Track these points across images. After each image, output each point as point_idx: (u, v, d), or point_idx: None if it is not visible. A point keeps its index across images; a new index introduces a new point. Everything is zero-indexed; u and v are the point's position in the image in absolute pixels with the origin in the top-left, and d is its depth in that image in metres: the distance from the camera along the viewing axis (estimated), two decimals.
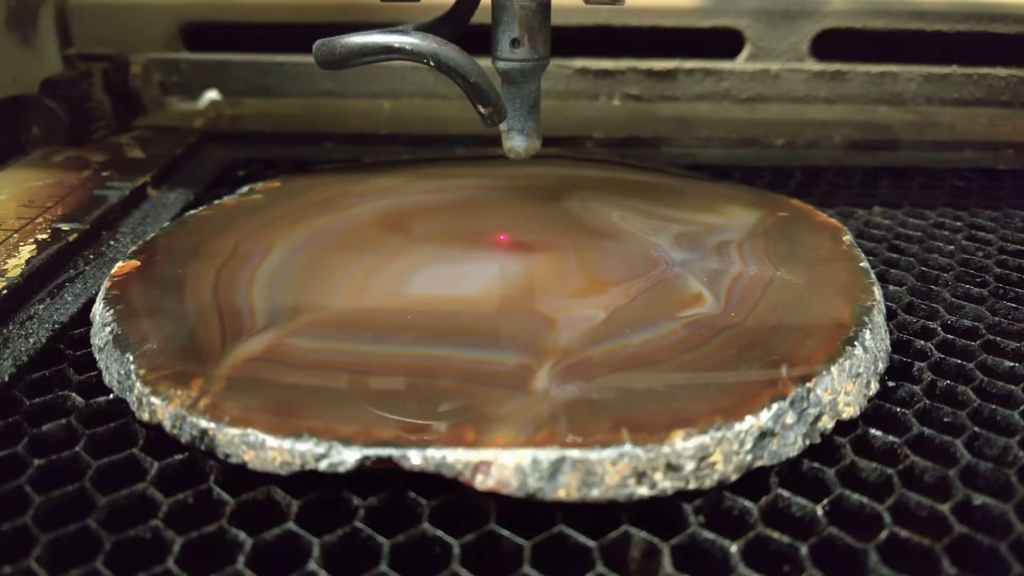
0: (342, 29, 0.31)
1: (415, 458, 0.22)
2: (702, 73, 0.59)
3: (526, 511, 0.22)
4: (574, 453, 0.21)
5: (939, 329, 0.31)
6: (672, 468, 0.22)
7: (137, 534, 0.21)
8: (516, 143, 0.35)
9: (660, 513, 0.22)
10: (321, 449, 0.22)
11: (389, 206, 0.38)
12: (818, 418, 0.24)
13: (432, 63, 0.29)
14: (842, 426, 0.25)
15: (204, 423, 0.23)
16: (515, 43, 0.33)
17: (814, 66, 0.59)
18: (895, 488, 0.23)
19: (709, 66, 0.59)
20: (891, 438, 0.25)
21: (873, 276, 0.31)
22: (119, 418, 0.26)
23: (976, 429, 0.25)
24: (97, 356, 0.28)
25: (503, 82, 0.34)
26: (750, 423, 0.23)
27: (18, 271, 0.32)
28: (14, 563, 0.20)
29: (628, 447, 0.22)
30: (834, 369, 0.25)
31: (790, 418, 0.24)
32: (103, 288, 0.30)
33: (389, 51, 0.29)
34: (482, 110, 0.31)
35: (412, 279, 0.31)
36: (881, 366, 0.27)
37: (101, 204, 0.39)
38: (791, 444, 0.24)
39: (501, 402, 0.24)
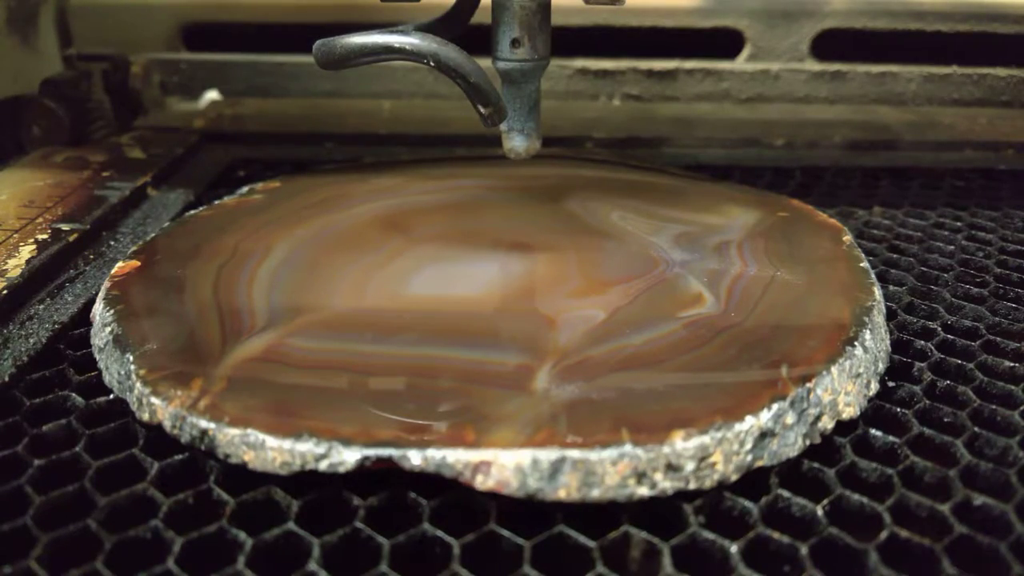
0: (342, 29, 0.31)
1: (415, 458, 0.22)
2: (702, 73, 0.59)
3: (526, 511, 0.22)
4: (574, 453, 0.21)
5: (939, 329, 0.31)
6: (672, 468, 0.22)
7: (137, 534, 0.21)
8: (516, 143, 0.35)
9: (660, 513, 0.22)
10: (321, 449, 0.22)
11: (389, 206, 0.38)
12: (818, 418, 0.24)
13: (432, 63, 0.29)
14: (842, 426, 0.25)
15: (204, 423, 0.23)
16: (515, 43, 0.33)
17: (814, 66, 0.59)
18: (895, 488, 0.23)
19: (709, 66, 0.59)
20: (891, 438, 0.25)
21: (873, 276, 0.31)
22: (119, 418, 0.26)
23: (976, 429, 0.25)
24: (97, 356, 0.28)
25: (503, 82, 0.34)
26: (750, 423, 0.23)
27: (18, 271, 0.32)
28: (14, 563, 0.20)
29: (628, 447, 0.22)
30: (834, 369, 0.25)
31: (790, 418, 0.24)
32: (103, 288, 0.30)
33: (389, 51, 0.29)
34: (482, 110, 0.31)
35: (412, 279, 0.31)
36: (881, 366, 0.27)
37: (101, 204, 0.39)
38: (791, 444, 0.24)
39: (501, 402, 0.24)
